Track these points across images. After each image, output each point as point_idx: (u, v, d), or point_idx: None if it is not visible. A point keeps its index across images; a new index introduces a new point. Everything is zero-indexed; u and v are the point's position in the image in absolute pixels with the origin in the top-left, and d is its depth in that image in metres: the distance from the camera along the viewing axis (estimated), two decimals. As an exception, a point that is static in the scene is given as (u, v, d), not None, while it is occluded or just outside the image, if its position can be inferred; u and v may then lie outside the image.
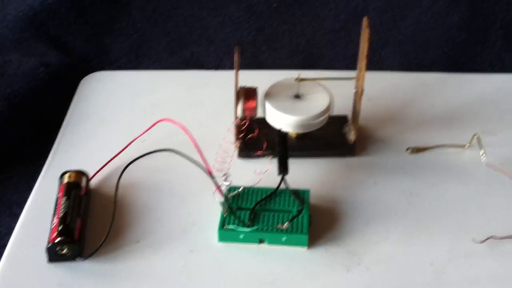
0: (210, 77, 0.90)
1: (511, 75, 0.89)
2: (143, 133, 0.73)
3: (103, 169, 0.72)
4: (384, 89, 0.86)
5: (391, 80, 0.88)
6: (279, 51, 0.95)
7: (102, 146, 0.76)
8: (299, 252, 0.63)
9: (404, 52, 0.93)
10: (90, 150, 0.76)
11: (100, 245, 0.62)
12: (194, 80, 0.89)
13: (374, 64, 0.91)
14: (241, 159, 0.74)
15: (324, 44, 0.95)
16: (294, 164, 0.71)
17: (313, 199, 0.67)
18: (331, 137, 0.76)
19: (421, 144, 0.76)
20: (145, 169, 0.72)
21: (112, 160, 0.72)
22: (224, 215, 0.64)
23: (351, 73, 0.74)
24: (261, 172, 0.67)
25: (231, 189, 0.67)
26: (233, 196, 0.66)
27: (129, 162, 0.69)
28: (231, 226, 0.63)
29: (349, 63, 0.88)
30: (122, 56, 0.95)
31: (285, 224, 0.62)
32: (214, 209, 0.65)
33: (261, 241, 0.63)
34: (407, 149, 0.75)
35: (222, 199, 0.64)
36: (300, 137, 0.75)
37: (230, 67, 0.91)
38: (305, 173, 0.72)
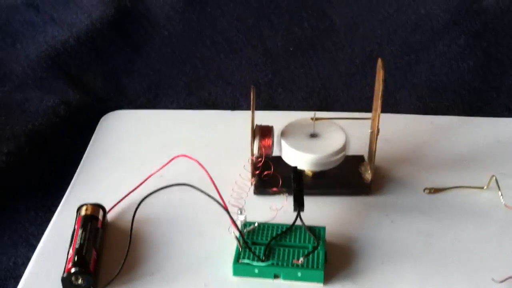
0: (226, 117, 0.91)
1: (527, 119, 0.89)
2: (160, 168, 0.73)
3: (120, 203, 0.73)
4: (400, 131, 0.86)
5: (407, 123, 0.89)
6: (295, 93, 0.96)
7: (120, 181, 0.77)
8: (314, 288, 0.62)
9: (419, 96, 0.94)
10: (108, 185, 0.77)
11: (115, 277, 0.62)
12: (210, 120, 0.90)
13: (390, 107, 0.92)
14: (257, 195, 0.74)
15: (340, 87, 0.96)
16: (310, 202, 0.71)
17: (328, 236, 0.67)
18: (347, 176, 0.76)
19: (437, 185, 0.76)
20: (161, 204, 0.73)
21: (129, 195, 0.73)
22: (240, 250, 0.64)
23: (367, 115, 0.75)
24: (276, 209, 0.67)
25: (246, 224, 0.67)
26: (249, 232, 0.66)
27: (145, 196, 0.69)
28: (246, 261, 0.62)
29: (364, 105, 0.89)
30: (140, 95, 0.96)
31: (300, 259, 0.62)
32: (229, 244, 0.65)
33: (276, 276, 0.63)
34: (425, 189, 0.75)
35: (237, 233, 0.64)
36: (316, 176, 0.76)
37: (246, 107, 0.92)
38: (321, 211, 0.72)
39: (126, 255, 0.64)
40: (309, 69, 0.97)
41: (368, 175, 0.75)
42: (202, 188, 0.65)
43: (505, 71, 0.92)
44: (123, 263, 0.63)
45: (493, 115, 0.90)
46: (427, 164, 0.80)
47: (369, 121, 0.74)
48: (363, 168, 0.76)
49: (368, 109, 0.75)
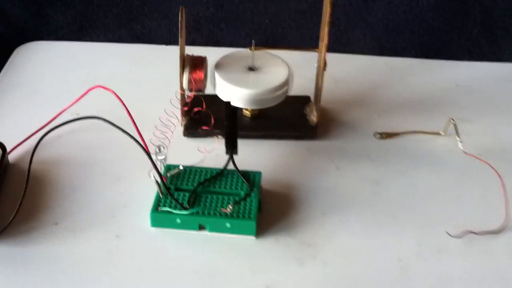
0: (159, 52, 0.81)
1: (489, 63, 0.82)
2: (74, 103, 0.63)
3: (26, 142, 0.62)
4: (352, 72, 0.78)
5: (360, 63, 0.80)
6: (239, 29, 0.86)
7: (29, 118, 0.66)
8: (246, 241, 0.54)
9: (375, 36, 0.85)
10: (15, 122, 0.67)
11: (8, 225, 0.52)
12: (141, 55, 0.80)
13: (343, 46, 0.84)
14: (186, 137, 0.65)
15: (289, 24, 0.86)
16: (247, 146, 0.63)
17: (265, 183, 0.58)
18: (290, 118, 0.67)
19: (390, 130, 0.68)
20: (73, 144, 0.63)
21: (37, 133, 0.63)
22: (160, 196, 0.55)
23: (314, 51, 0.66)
24: (206, 150, 0.58)
25: (170, 167, 0.58)
26: (172, 176, 0.57)
27: (46, 132, 0.59)
28: (166, 209, 0.53)
29: (314, 45, 0.80)
30: (63, 26, 0.85)
31: (229, 207, 0.53)
32: (150, 190, 0.56)
33: (201, 227, 0.54)
34: (375, 133, 0.67)
35: (158, 177, 0.54)
36: (256, 116, 0.67)
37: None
38: (258, 155, 0.63)
39: (21, 200, 0.54)
40: (256, 4, 0.87)
41: (313, 117, 0.66)
42: (122, 126, 0.56)
43: (468, 11, 0.83)
44: (17, 209, 0.53)
45: (453, 58, 0.82)
46: (379, 108, 0.72)
47: (316, 56, 0.65)
48: (308, 110, 0.68)
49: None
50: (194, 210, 0.53)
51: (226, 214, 0.53)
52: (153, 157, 0.54)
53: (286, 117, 0.67)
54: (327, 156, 0.64)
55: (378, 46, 0.84)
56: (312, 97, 0.69)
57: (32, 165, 0.56)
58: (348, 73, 0.78)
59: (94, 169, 0.60)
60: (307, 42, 0.85)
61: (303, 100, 0.70)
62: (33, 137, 0.63)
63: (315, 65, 0.64)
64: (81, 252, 0.52)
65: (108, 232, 0.54)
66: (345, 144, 0.66)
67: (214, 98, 0.64)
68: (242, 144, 0.58)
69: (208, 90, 0.64)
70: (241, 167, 0.57)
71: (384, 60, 0.81)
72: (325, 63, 0.62)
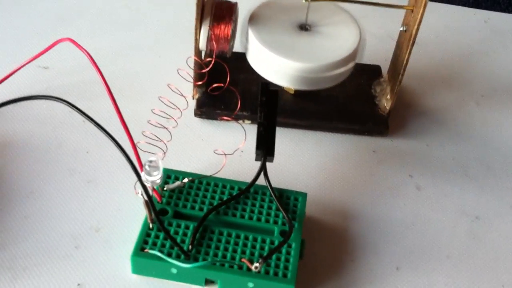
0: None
1: None
2: (32, 59, 0.42)
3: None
4: (439, 31, 0.56)
5: (450, 19, 0.58)
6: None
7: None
8: (276, 311, 0.35)
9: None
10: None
11: None
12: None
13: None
14: (199, 118, 0.45)
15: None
16: (285, 139, 0.42)
17: (311, 207, 0.38)
18: (350, 100, 0.46)
19: (494, 125, 0.47)
20: (27, 124, 0.43)
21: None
22: (149, 226, 0.35)
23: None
24: (225, 153, 0.38)
25: (169, 174, 0.38)
26: (170, 191, 0.37)
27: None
28: (155, 252, 0.34)
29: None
30: None
31: (258, 264, 0.33)
32: (136, 205, 0.36)
33: (208, 282, 0.35)
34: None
35: (146, 197, 0.34)
36: (301, 95, 0.46)
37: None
38: (303, 159, 0.43)
39: None
40: None
41: (385, 102, 0.45)
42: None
43: None
44: None
45: None
46: (478, 91, 0.50)
47: (402, 11, 0.43)
48: (378, 89, 0.47)
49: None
50: (200, 264, 0.33)
51: (249, 269, 0.34)
52: (144, 170, 0.34)
53: (344, 99, 0.46)
54: (402, 165, 0.43)
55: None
56: (383, 69, 0.48)
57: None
58: (433, 32, 0.55)
59: (55, 165, 0.41)
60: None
61: (370, 73, 0.48)
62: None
63: (402, 28, 0.42)
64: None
65: (66, 275, 0.35)
66: (431, 147, 0.45)
67: (243, 62, 0.43)
68: (280, 137, 0.38)
69: (236, 48, 0.43)
70: (275, 176, 0.37)
71: (483, 16, 0.59)
72: (417, 28, 0.40)
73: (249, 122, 0.44)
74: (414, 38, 0.41)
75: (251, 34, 0.42)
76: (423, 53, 0.52)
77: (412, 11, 0.41)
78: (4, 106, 0.35)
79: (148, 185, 0.34)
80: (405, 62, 0.42)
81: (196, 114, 0.45)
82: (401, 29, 0.43)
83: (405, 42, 0.43)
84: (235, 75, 0.42)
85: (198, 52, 0.42)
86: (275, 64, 0.41)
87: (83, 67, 0.46)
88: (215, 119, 0.45)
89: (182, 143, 0.42)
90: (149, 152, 0.37)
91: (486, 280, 0.37)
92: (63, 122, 0.43)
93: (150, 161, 0.34)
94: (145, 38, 0.52)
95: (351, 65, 0.42)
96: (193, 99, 0.45)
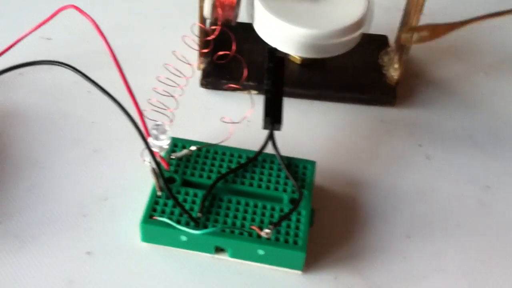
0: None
1: None
2: (34, 29, 0.42)
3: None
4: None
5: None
6: None
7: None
8: (287, 278, 0.34)
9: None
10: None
11: None
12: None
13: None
14: (205, 89, 0.44)
15: None
16: (292, 109, 0.42)
17: (318, 175, 0.38)
18: (358, 70, 0.46)
19: (503, 94, 0.46)
20: (30, 91, 0.42)
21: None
22: (158, 194, 0.35)
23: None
24: (232, 121, 0.38)
25: (176, 142, 0.37)
26: (179, 159, 0.37)
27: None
28: (164, 219, 0.33)
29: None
30: None
31: (268, 230, 0.33)
32: (144, 174, 0.36)
33: (218, 250, 0.34)
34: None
35: (154, 164, 0.34)
36: (309, 65, 0.45)
37: None
38: (310, 129, 0.43)
39: None
40: None
41: (393, 71, 0.44)
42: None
43: None
44: None
45: None
46: (486, 61, 0.50)
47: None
48: (386, 59, 0.46)
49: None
50: (209, 230, 0.33)
51: (259, 236, 0.33)
52: (150, 134, 0.34)
53: (352, 69, 0.46)
54: (411, 135, 0.43)
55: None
56: (390, 38, 0.47)
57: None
58: (440, 0, 0.55)
59: (59, 135, 0.40)
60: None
61: (378, 43, 0.48)
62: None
63: (410, -5, 0.42)
64: (27, 274, 0.33)
65: (74, 244, 0.35)
66: (439, 117, 0.44)
67: (249, 32, 0.43)
68: (288, 107, 0.37)
69: (241, 18, 0.42)
70: (283, 145, 0.36)
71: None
72: (427, -5, 0.40)
73: (256, 92, 0.43)
74: (422, 6, 0.40)
75: (257, 0, 0.41)
76: (430, 22, 0.52)
77: (421, -24, 0.41)
78: (7, 74, 0.34)
79: (155, 150, 0.34)
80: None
81: (202, 85, 0.44)
82: (409, -5, 0.42)
83: (412, 9, 0.42)
84: (240, 45, 0.41)
85: (202, 20, 0.41)
86: (282, 31, 0.40)
87: (88, 37, 0.46)
88: (221, 89, 0.44)
89: (189, 112, 0.42)
90: (156, 121, 0.36)
91: (497, 248, 0.37)
92: (68, 93, 0.43)
93: (157, 125, 0.33)
94: (149, 6, 0.51)
95: (358, 32, 0.41)
96: (198, 69, 0.44)
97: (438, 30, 0.32)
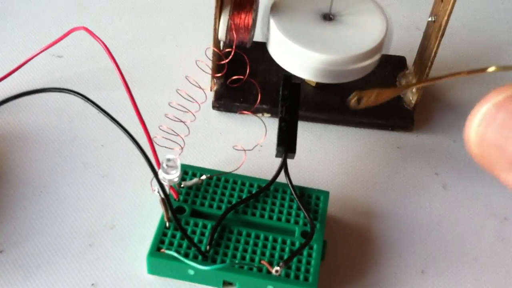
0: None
1: None
2: (47, 47, 0.41)
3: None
4: (469, 17, 0.54)
5: (487, 5, 0.56)
6: None
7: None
8: (296, 314, 0.33)
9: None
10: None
11: None
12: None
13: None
14: (216, 111, 0.43)
15: None
16: (308, 134, 0.41)
17: (333, 205, 0.37)
18: (375, 93, 0.44)
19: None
20: (39, 115, 0.42)
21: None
22: (166, 225, 0.34)
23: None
24: (244, 149, 0.37)
25: (186, 170, 0.36)
26: (187, 188, 0.36)
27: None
28: (172, 253, 0.32)
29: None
30: None
31: (278, 267, 0.32)
32: (153, 203, 0.35)
33: (226, 284, 0.33)
34: None
35: (163, 194, 0.33)
36: (323, 88, 0.44)
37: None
38: (324, 154, 0.41)
39: None
40: None
41: (411, 95, 0.43)
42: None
43: None
44: None
45: None
46: None
47: (429, 0, 0.41)
48: (404, 82, 0.45)
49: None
50: (218, 266, 0.32)
51: (268, 271, 0.32)
52: (161, 168, 0.33)
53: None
54: (428, 162, 0.42)
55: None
56: (408, 61, 0.46)
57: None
58: (460, 22, 0.53)
59: (68, 158, 0.39)
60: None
61: (395, 64, 0.46)
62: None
63: (431, 19, 0.40)
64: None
65: (79, 275, 0.34)
66: (458, 143, 0.43)
67: (263, 52, 0.42)
68: (298, 131, 0.36)
69: (256, 37, 0.41)
70: (296, 172, 0.36)
71: None
72: (447, 19, 0.38)
73: (269, 115, 0.42)
74: (444, 30, 0.39)
75: (272, 23, 0.40)
76: (449, 43, 0.50)
77: (442, 1, 0.39)
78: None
79: (165, 183, 0.33)
80: (433, 54, 0.40)
81: (214, 107, 0.43)
82: (430, 19, 0.41)
83: (433, 33, 0.41)
84: (254, 65, 0.40)
85: (217, 42, 0.40)
86: (297, 55, 0.39)
87: (99, 56, 0.45)
88: (234, 112, 0.43)
89: (200, 138, 0.41)
90: (166, 147, 0.35)
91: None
92: (78, 114, 0.42)
93: (168, 160, 0.32)
94: (162, 26, 0.50)
95: (377, 57, 0.40)
96: (211, 91, 0.43)
97: (383, 94, 0.31)
